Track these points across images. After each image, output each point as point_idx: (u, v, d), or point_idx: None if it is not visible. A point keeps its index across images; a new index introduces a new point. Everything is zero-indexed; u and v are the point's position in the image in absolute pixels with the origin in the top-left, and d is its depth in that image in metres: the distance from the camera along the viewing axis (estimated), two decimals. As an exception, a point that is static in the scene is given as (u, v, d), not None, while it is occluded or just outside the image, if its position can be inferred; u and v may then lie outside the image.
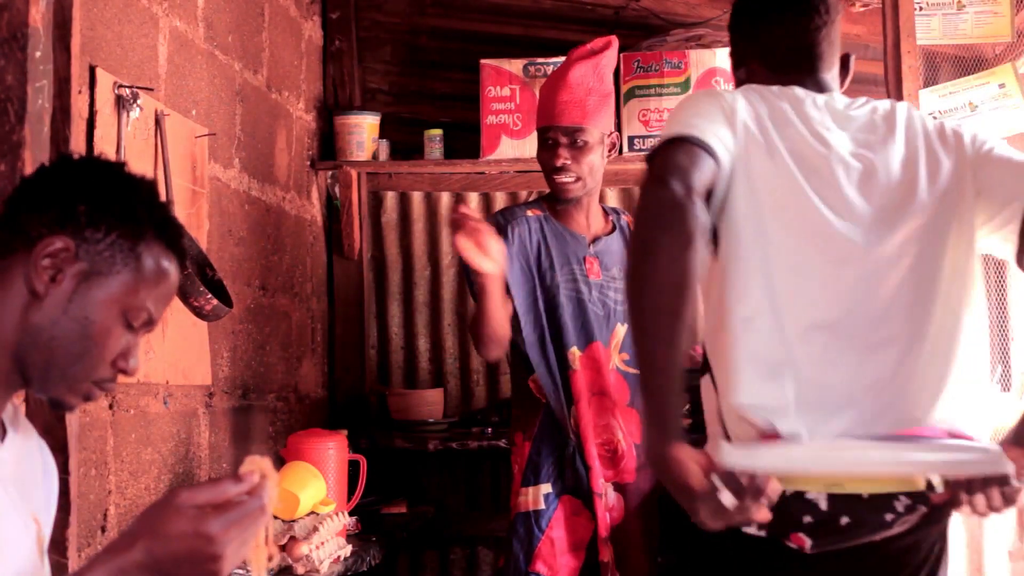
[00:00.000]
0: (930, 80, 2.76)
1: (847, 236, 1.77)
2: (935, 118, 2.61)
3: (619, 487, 2.96)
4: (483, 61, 3.82)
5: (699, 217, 1.63)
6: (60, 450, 1.76)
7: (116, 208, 1.29)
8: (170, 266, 1.36)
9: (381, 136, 3.91)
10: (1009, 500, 1.65)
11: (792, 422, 1.70)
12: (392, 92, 4.08)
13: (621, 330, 2.97)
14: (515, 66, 3.80)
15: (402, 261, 4.11)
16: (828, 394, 1.73)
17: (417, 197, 4.11)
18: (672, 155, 1.69)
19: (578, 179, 2.87)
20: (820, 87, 1.92)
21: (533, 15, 4.00)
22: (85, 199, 1.28)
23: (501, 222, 2.84)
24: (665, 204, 1.62)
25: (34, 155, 1.73)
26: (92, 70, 2.32)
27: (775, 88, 1.87)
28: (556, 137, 2.84)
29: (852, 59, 2.01)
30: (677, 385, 1.63)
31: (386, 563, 3.01)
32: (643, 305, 1.61)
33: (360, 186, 3.95)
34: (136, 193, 1.33)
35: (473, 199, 4.08)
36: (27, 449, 1.37)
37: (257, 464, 1.26)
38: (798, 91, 1.88)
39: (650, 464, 1.67)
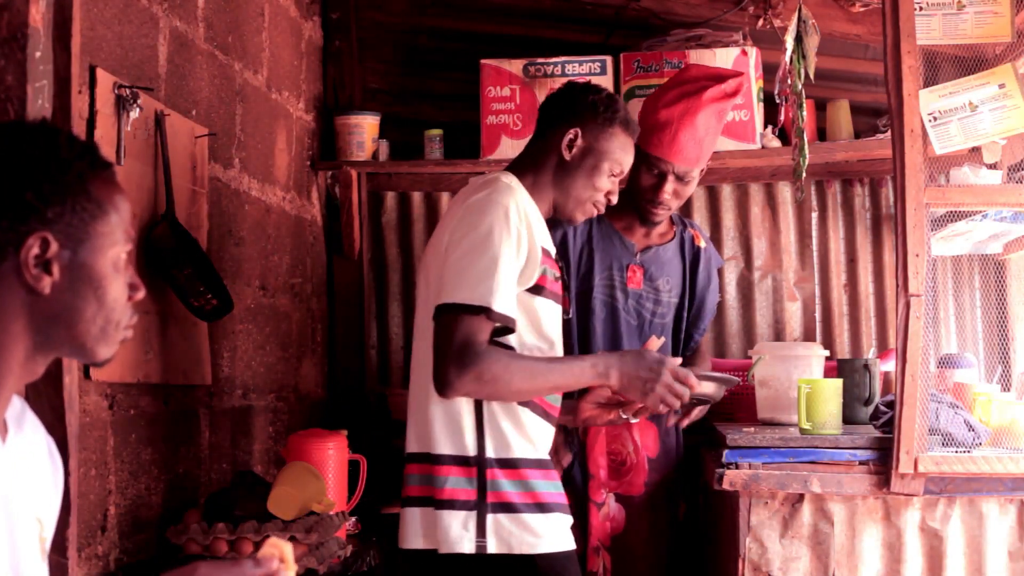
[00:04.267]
0: (930, 80, 2.75)
1: None
2: (934, 117, 2.62)
3: (622, 499, 2.94)
4: (483, 61, 3.82)
5: None
6: (60, 450, 1.76)
7: (53, 172, 1.27)
8: (116, 183, 1.35)
9: (381, 136, 3.91)
10: None
11: None
12: (392, 92, 4.08)
13: (656, 343, 2.95)
14: (515, 66, 3.80)
15: (402, 261, 4.10)
16: None
17: (417, 197, 4.11)
18: None
19: (669, 209, 2.89)
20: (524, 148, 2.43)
21: (533, 15, 4.00)
22: (23, 183, 1.25)
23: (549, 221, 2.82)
24: None
25: (34, 155, 1.73)
26: (92, 70, 2.32)
27: None
28: (667, 172, 2.81)
29: (562, 136, 2.33)
30: None
31: (386, 563, 3.01)
32: None
33: (360, 186, 3.95)
34: (53, 143, 1.29)
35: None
36: (33, 448, 1.36)
37: (278, 548, 1.26)
38: None
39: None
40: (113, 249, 1.32)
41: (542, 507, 2.18)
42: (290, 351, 3.57)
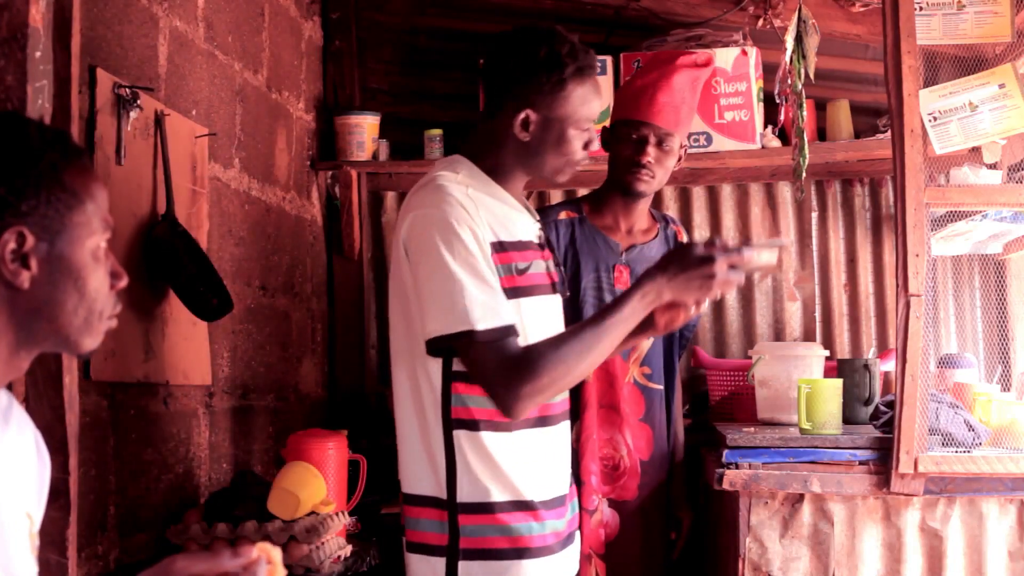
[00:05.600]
0: (930, 80, 2.75)
1: None
2: (934, 117, 2.62)
3: (616, 503, 2.93)
4: (483, 61, 3.81)
5: None
6: (60, 450, 1.76)
7: (24, 164, 1.25)
8: (91, 171, 1.33)
9: (381, 136, 3.91)
10: None
11: None
12: (392, 92, 4.08)
13: (645, 344, 2.94)
14: (515, 66, 3.79)
15: (402, 261, 4.10)
16: None
17: (417, 197, 4.11)
18: None
19: (653, 178, 2.85)
20: None
21: (533, 15, 3.99)
22: None
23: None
24: None
25: (34, 155, 1.72)
26: (92, 70, 2.32)
27: None
28: (647, 135, 2.80)
29: (512, 119, 2.13)
30: None
31: (386, 563, 3.01)
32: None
33: (360, 186, 3.95)
34: (23, 135, 1.28)
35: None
36: (21, 443, 1.36)
37: (266, 552, 1.25)
38: None
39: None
40: (91, 239, 1.30)
41: (521, 552, 2.02)
42: (290, 351, 3.57)
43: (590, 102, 2.14)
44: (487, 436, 2.03)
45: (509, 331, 2.00)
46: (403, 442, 2.09)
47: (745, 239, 2.03)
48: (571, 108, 2.11)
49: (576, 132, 2.12)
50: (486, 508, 2.01)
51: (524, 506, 2.05)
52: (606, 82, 3.73)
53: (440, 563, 2.01)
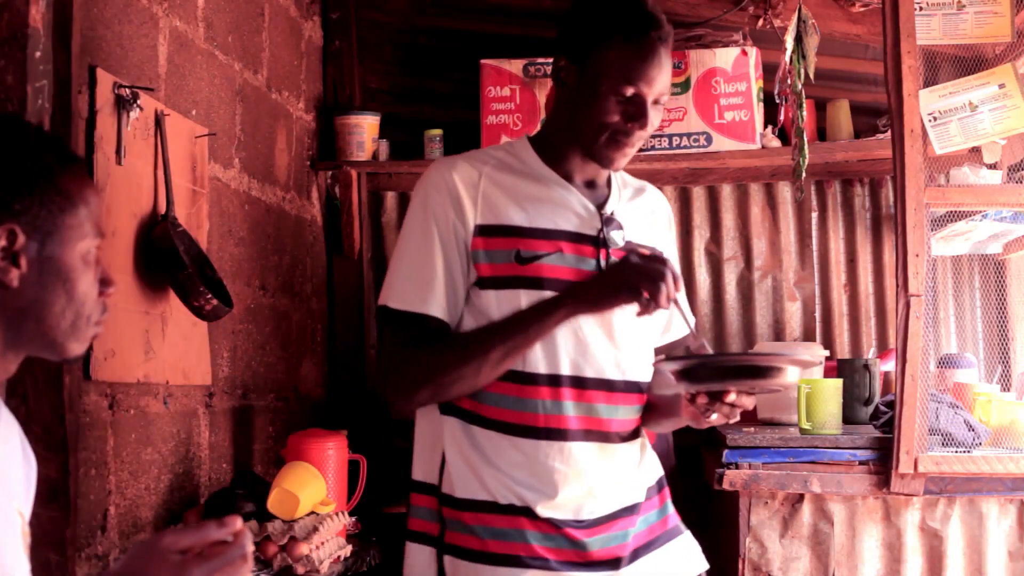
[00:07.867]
0: (930, 80, 2.76)
1: None
2: (934, 117, 2.62)
3: None
4: (483, 61, 3.82)
5: None
6: (60, 450, 1.76)
7: (20, 165, 1.26)
8: (85, 177, 1.34)
9: (381, 136, 3.91)
10: None
11: None
12: (392, 92, 4.08)
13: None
14: (515, 66, 3.80)
15: (402, 261, 4.10)
16: None
17: (417, 197, 4.11)
18: None
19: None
20: None
21: (533, 15, 4.00)
22: None
23: None
24: None
25: (34, 155, 1.73)
26: (92, 70, 2.32)
27: None
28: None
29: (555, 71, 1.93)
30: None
31: (386, 563, 3.01)
32: None
33: (360, 186, 3.95)
34: (21, 136, 1.29)
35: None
36: (8, 442, 1.36)
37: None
38: None
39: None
40: (82, 242, 1.31)
41: (491, 558, 1.82)
42: (290, 351, 3.57)
43: (632, 65, 1.81)
44: (475, 429, 1.87)
45: (419, 320, 1.84)
46: (416, 428, 1.97)
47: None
48: (604, 63, 1.82)
49: (606, 94, 1.82)
50: (457, 504, 1.85)
51: (493, 508, 1.85)
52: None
53: (432, 553, 1.87)
